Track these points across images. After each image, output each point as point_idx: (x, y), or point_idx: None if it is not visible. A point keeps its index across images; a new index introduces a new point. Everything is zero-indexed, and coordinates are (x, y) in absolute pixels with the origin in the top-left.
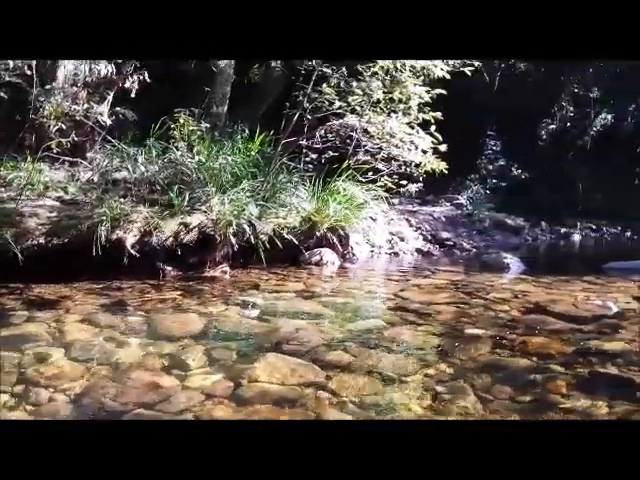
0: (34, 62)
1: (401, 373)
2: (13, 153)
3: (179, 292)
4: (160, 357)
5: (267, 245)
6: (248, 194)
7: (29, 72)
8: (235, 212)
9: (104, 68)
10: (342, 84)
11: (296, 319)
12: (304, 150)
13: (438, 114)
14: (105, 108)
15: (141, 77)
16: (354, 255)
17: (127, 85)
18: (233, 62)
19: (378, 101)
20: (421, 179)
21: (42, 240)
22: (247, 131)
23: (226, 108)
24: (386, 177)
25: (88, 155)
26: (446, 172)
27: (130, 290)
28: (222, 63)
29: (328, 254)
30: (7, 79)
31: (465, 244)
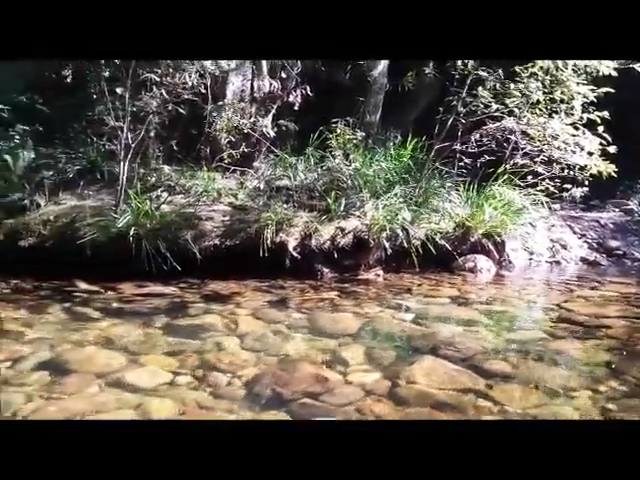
0: (209, 81)
1: (567, 388)
2: (191, 164)
3: (336, 292)
4: (322, 352)
5: (420, 250)
6: (401, 199)
7: (204, 90)
8: (388, 217)
9: (268, 84)
10: (498, 86)
11: (451, 325)
12: (458, 155)
13: (605, 113)
14: (269, 121)
15: (303, 91)
16: (511, 262)
17: (291, 99)
18: (386, 71)
19: (537, 102)
20: (586, 183)
21: (217, 241)
22: (399, 137)
23: (379, 116)
24: (547, 181)
25: (255, 164)
26: (614, 175)
27: (292, 289)
28: (376, 73)
29: (483, 261)
30: (185, 97)
31: (637, 254)
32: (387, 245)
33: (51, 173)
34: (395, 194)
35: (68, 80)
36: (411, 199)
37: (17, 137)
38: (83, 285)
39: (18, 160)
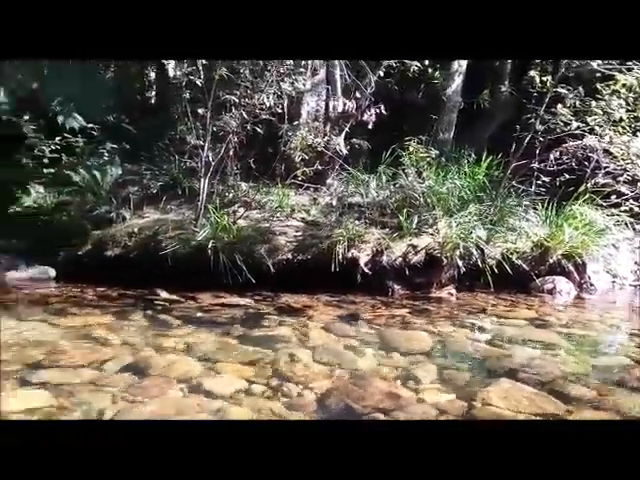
0: (285, 101)
1: None
2: (266, 180)
3: (407, 310)
4: (394, 369)
5: (495, 269)
6: (475, 217)
7: (280, 110)
8: (462, 235)
9: (343, 104)
10: (578, 104)
11: (529, 347)
12: (535, 173)
13: None
14: (342, 139)
15: (377, 110)
16: (592, 285)
17: (365, 118)
18: (460, 89)
19: (620, 120)
20: None
21: (289, 255)
22: (473, 155)
23: (452, 134)
24: (631, 201)
25: (327, 181)
26: None
27: (363, 304)
28: (450, 91)
29: (562, 282)
30: (263, 117)
31: None
32: (460, 263)
33: (136, 188)
34: (469, 212)
35: (152, 101)
36: (486, 217)
37: (106, 154)
38: (164, 294)
39: (106, 176)
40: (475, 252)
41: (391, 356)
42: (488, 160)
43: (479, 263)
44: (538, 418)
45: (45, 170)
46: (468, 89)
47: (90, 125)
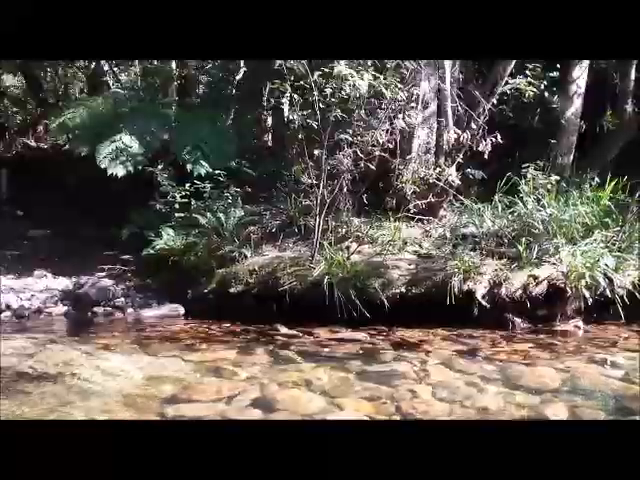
0: (398, 137)
1: None
2: (378, 215)
3: (530, 344)
4: (521, 407)
5: (626, 299)
6: (601, 245)
7: (391, 145)
8: (587, 264)
9: (455, 135)
10: None
11: None
12: None
13: None
14: (454, 170)
15: (493, 139)
16: None
17: (480, 148)
18: (580, 111)
19: None
20: None
21: (403, 289)
22: (596, 179)
23: (572, 158)
24: None
25: (439, 213)
26: None
27: (482, 339)
28: (569, 113)
29: None
30: (377, 153)
31: None
32: (587, 294)
33: (256, 228)
34: (594, 239)
35: (269, 144)
36: (613, 244)
37: (230, 198)
38: (284, 329)
39: (229, 217)
40: (603, 281)
41: (516, 394)
42: (613, 183)
43: (607, 293)
44: None
45: (176, 214)
46: (587, 110)
47: (217, 171)
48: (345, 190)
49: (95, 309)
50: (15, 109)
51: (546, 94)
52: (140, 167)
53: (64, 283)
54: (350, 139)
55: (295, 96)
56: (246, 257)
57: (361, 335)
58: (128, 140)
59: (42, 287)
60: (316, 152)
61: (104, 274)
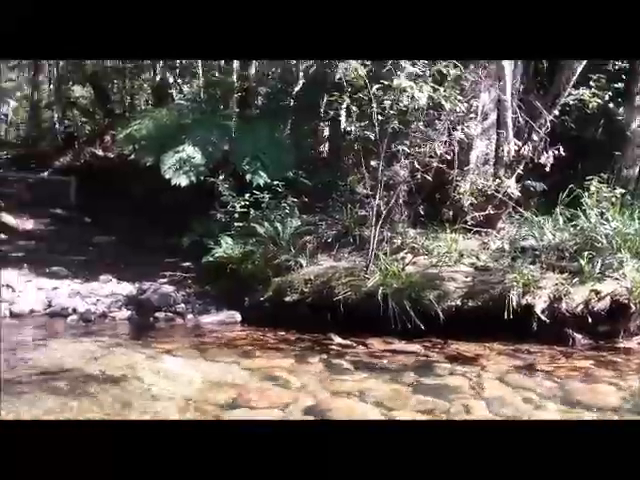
0: (456, 148)
1: None
2: (434, 226)
3: (591, 361)
4: None
5: None
6: None
7: (449, 157)
8: None
9: (515, 147)
10: None
11: None
12: None
13: None
14: (514, 182)
15: (556, 152)
16: None
17: (542, 160)
18: None
19: None
20: None
21: (459, 302)
22: None
23: (637, 170)
24: None
25: (497, 225)
26: None
27: (540, 354)
28: (634, 125)
29: None
30: (434, 164)
31: None
32: None
33: (312, 237)
34: None
35: (325, 155)
36: None
37: (287, 208)
38: (337, 339)
39: (286, 227)
40: None
41: (575, 411)
42: None
43: None
44: None
45: (235, 224)
46: None
47: (275, 182)
48: (401, 201)
49: (157, 314)
50: (84, 119)
51: (611, 105)
52: (202, 177)
53: (128, 288)
54: (407, 150)
55: (353, 107)
56: (302, 266)
57: (415, 347)
58: (191, 151)
59: (107, 292)
60: (373, 163)
61: (166, 280)
